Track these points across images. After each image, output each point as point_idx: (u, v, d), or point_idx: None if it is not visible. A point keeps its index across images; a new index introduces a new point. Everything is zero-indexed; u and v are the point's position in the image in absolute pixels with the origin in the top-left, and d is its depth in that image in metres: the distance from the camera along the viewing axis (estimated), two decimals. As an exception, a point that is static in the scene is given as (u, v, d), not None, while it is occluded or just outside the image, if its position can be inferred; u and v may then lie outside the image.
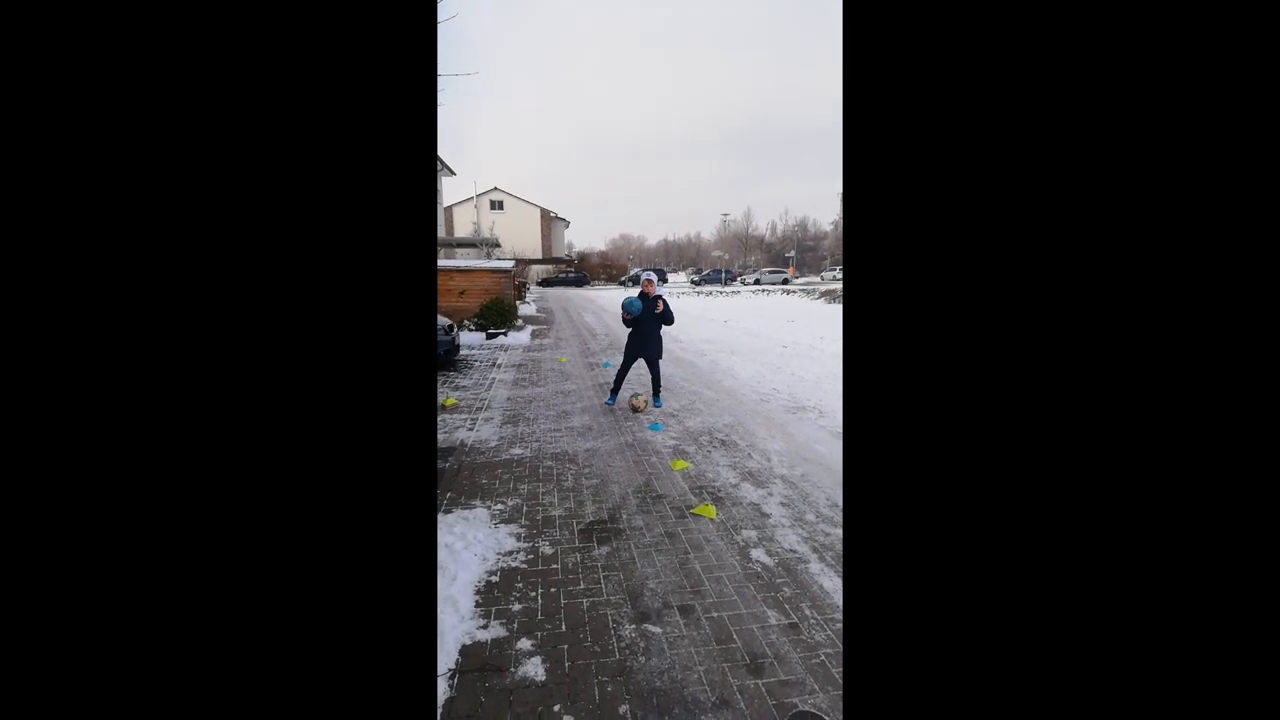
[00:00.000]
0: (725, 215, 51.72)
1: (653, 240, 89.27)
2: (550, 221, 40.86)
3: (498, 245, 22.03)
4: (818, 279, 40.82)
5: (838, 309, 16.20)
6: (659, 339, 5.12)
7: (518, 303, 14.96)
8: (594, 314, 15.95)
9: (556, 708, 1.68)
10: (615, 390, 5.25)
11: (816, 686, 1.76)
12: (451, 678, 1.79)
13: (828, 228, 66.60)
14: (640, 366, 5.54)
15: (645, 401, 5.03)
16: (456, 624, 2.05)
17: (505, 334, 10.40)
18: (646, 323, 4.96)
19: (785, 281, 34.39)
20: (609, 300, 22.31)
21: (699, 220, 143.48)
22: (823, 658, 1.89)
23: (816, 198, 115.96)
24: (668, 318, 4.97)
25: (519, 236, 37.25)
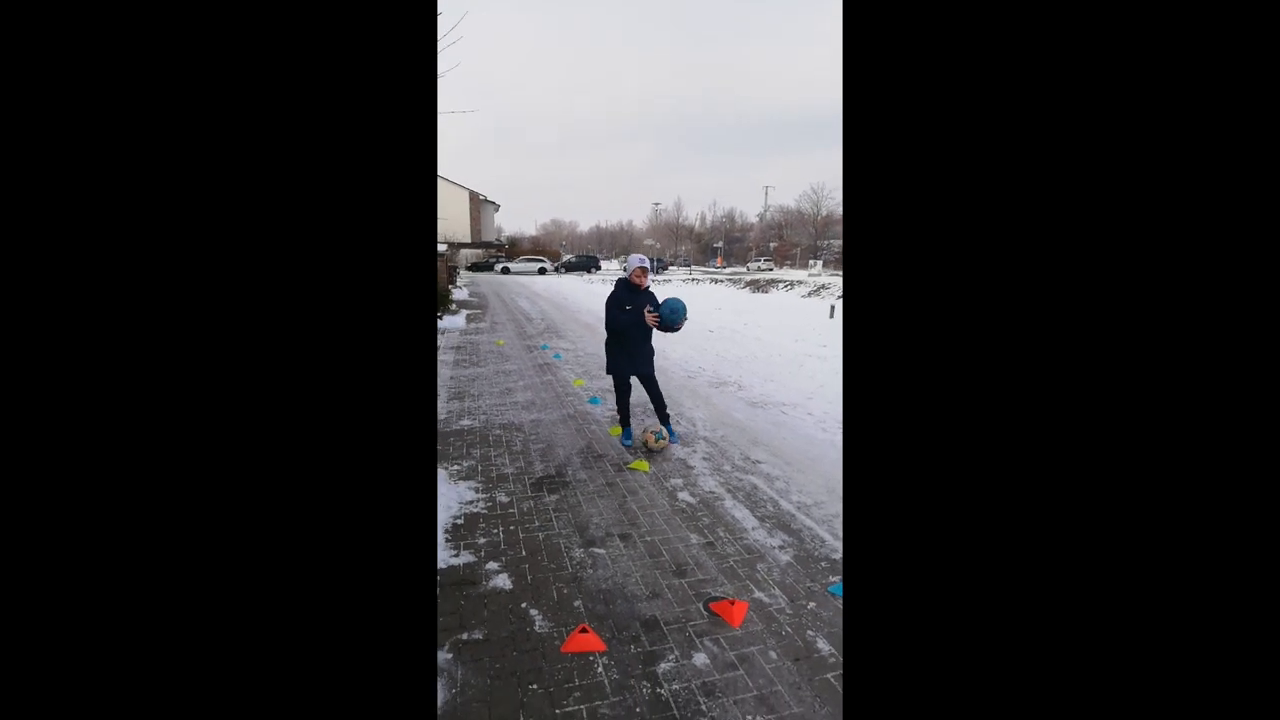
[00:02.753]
0: (657, 204, 52.63)
1: (585, 226, 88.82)
2: (479, 204, 39.77)
3: (426, 227, 21.28)
4: (744, 269, 42.58)
5: (759, 297, 17.26)
6: (651, 349, 3.78)
7: (450, 287, 14.79)
8: (528, 299, 16.04)
9: (524, 605, 2.10)
10: (625, 422, 3.92)
11: (725, 581, 2.29)
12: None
13: (753, 219, 69.09)
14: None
15: (663, 440, 3.71)
16: (431, 555, 2.42)
17: (440, 318, 10.40)
18: (635, 329, 3.63)
19: (542, 271, 33.57)
20: (543, 286, 22.33)
21: (631, 208, 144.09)
22: (732, 563, 2.43)
23: (743, 190, 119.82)
24: (669, 321, 3.62)
25: (447, 220, 36.06)
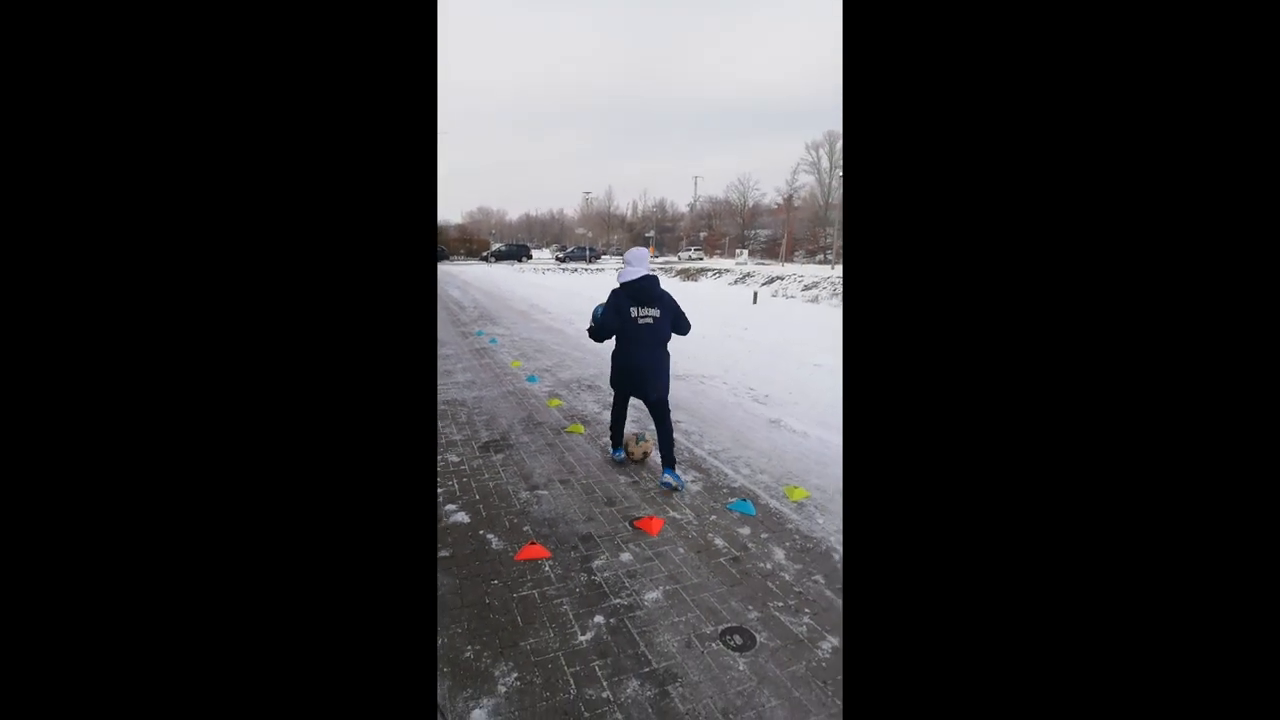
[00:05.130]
0: (588, 193, 52.61)
1: (514, 215, 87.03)
2: (402, 192, 38.12)
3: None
4: (675, 258, 43.67)
5: (689, 285, 18.07)
6: (666, 363, 2.96)
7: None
8: (459, 288, 15.99)
9: (481, 531, 2.54)
10: (617, 440, 3.35)
11: (647, 507, 2.83)
12: (401, 527, 2.56)
13: (684, 209, 70.53)
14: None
15: (649, 447, 3.29)
16: (395, 502, 2.79)
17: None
18: (643, 339, 2.88)
19: None
20: (472, 275, 22.11)
21: (561, 197, 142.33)
22: (652, 494, 2.96)
23: (675, 179, 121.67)
24: (680, 326, 3.00)
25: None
